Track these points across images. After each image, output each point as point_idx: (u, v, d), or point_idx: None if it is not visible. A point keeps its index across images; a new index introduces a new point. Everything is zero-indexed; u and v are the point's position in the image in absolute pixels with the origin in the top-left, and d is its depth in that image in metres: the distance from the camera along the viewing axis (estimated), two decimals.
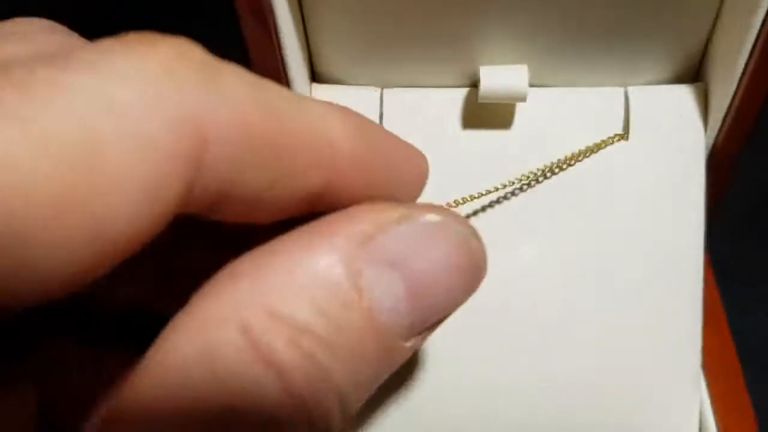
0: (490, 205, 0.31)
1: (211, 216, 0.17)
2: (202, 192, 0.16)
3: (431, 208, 0.19)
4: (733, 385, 0.32)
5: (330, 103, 0.19)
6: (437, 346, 0.30)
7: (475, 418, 0.30)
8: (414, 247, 0.18)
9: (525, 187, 0.30)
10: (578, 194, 0.30)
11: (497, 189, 0.29)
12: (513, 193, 0.31)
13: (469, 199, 0.29)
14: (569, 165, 0.30)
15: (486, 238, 0.30)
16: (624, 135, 0.31)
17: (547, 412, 0.30)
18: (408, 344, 0.18)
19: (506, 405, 0.30)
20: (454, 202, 0.29)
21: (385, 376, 0.18)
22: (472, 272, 0.19)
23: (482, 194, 0.29)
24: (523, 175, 0.30)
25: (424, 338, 0.19)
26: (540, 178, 0.30)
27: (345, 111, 0.19)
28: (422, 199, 0.27)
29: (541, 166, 0.30)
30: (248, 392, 0.15)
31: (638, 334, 0.30)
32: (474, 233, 0.20)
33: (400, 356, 0.18)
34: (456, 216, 0.19)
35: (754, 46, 0.27)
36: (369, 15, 0.29)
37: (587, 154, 0.30)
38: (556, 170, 0.30)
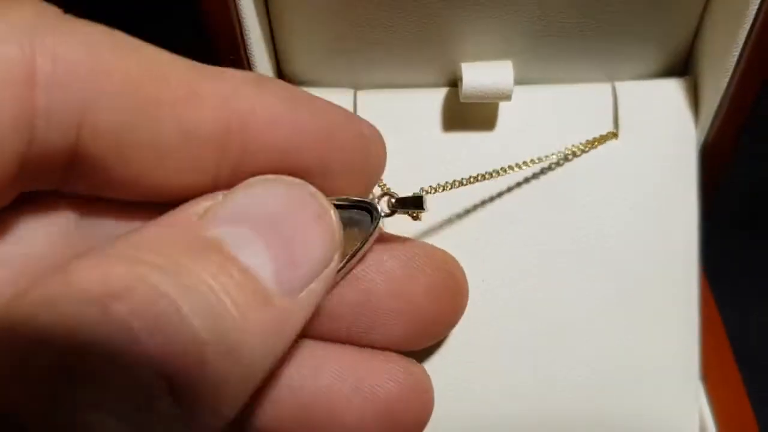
0: (480, 204, 0.29)
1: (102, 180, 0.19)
2: (48, 137, 0.17)
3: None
4: (730, 385, 0.31)
5: (251, 74, 0.20)
6: (433, 345, 0.29)
7: (472, 417, 0.29)
8: (259, 200, 0.19)
9: (519, 185, 0.29)
10: (570, 193, 0.29)
11: (485, 177, 0.27)
12: (507, 192, 0.29)
13: (449, 186, 0.26)
14: (560, 165, 0.29)
15: (476, 239, 0.29)
16: (614, 133, 0.29)
17: (545, 415, 0.28)
18: (285, 302, 0.18)
19: (503, 406, 0.28)
20: (438, 186, 0.26)
21: (276, 339, 0.18)
22: (325, 226, 0.20)
23: (467, 182, 0.27)
24: (516, 164, 0.28)
25: (309, 300, 0.19)
26: (533, 177, 0.29)
27: (268, 81, 0.20)
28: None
29: (536, 164, 0.28)
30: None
31: (634, 333, 0.29)
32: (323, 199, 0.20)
33: (280, 311, 0.18)
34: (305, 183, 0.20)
35: (747, 39, 0.26)
36: (339, 10, 0.27)
37: (578, 154, 0.29)
38: (548, 171, 0.29)
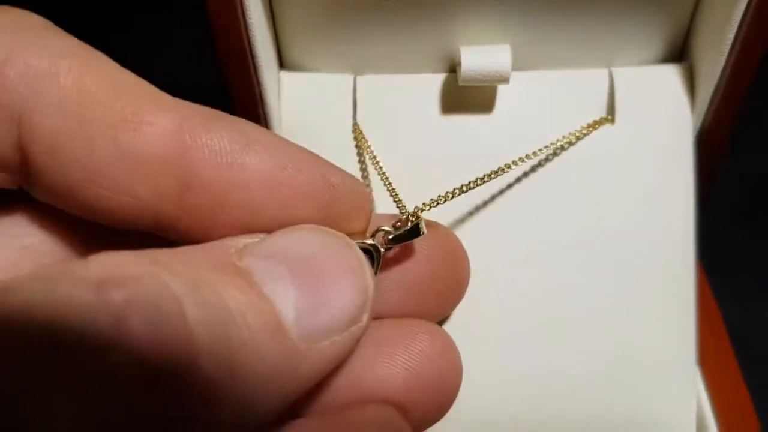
0: (477, 195, 0.29)
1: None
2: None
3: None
4: (728, 374, 0.31)
5: (207, 109, 0.20)
6: None
7: (470, 409, 0.28)
8: (296, 242, 0.19)
9: (514, 177, 0.29)
10: (565, 182, 0.29)
11: (483, 181, 0.27)
12: (502, 182, 0.29)
13: (452, 196, 0.27)
14: (556, 153, 0.29)
15: (472, 231, 0.29)
16: (609, 119, 0.29)
17: (543, 405, 0.28)
18: (303, 344, 0.18)
19: (502, 398, 0.28)
20: (440, 198, 0.25)
21: (286, 379, 0.18)
22: (359, 281, 0.19)
23: (465, 189, 0.26)
24: (513, 161, 0.27)
25: (330, 352, 0.19)
26: (529, 169, 0.29)
27: (222, 118, 0.20)
28: (408, 189, 0.25)
29: (530, 154, 0.28)
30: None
31: (632, 323, 0.29)
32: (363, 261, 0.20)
33: (295, 350, 0.18)
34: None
35: (741, 22, 0.26)
36: None
37: (573, 141, 0.29)
38: (544, 158, 0.29)
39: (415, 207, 0.23)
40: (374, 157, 0.28)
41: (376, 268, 0.21)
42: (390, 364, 0.21)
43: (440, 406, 0.22)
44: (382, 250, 0.22)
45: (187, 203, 0.19)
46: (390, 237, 0.22)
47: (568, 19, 0.28)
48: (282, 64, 0.31)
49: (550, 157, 0.29)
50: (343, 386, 0.21)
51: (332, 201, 0.20)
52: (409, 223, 0.22)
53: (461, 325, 0.28)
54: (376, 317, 0.22)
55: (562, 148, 0.29)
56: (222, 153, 0.19)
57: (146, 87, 0.19)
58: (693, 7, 0.29)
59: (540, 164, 0.29)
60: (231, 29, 0.26)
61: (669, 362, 0.29)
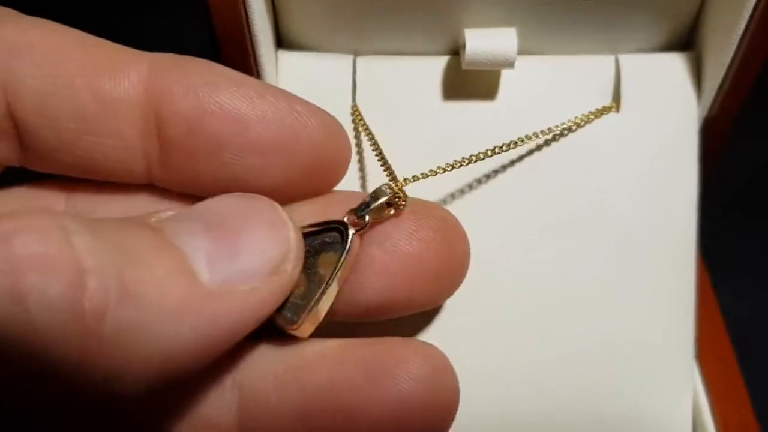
0: (471, 178, 0.28)
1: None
2: None
3: None
4: (725, 365, 0.31)
5: (173, 55, 0.21)
6: (429, 331, 0.28)
7: (466, 394, 0.28)
8: (215, 205, 0.20)
9: (509, 160, 0.28)
10: (569, 167, 0.29)
11: (476, 159, 0.26)
12: (504, 165, 0.29)
13: (442, 170, 0.25)
14: (556, 139, 0.28)
15: (466, 215, 0.28)
16: (614, 106, 0.29)
17: (537, 398, 0.28)
18: (215, 286, 0.18)
19: (495, 391, 0.28)
20: (430, 172, 0.25)
21: (203, 322, 0.18)
22: (278, 234, 0.20)
23: (456, 166, 0.26)
24: (512, 141, 0.27)
25: (250, 298, 0.19)
26: (527, 152, 0.28)
27: (190, 60, 0.21)
28: (406, 173, 0.24)
29: (530, 135, 0.27)
30: None
31: (632, 310, 0.28)
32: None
33: (208, 294, 0.18)
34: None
35: (752, 14, 0.26)
36: None
37: (574, 129, 0.28)
38: (543, 143, 0.28)
39: (398, 181, 0.23)
40: (372, 139, 0.27)
41: (347, 248, 0.21)
42: (380, 390, 0.21)
43: (436, 429, 0.22)
44: (352, 231, 0.21)
45: (165, 137, 0.21)
46: (360, 213, 0.21)
47: (575, 3, 0.27)
48: (281, 42, 0.30)
49: (550, 142, 0.29)
50: (330, 410, 0.20)
51: (298, 129, 0.21)
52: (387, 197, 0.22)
53: (456, 313, 0.28)
54: (363, 310, 0.22)
55: (562, 134, 0.28)
56: (191, 89, 0.20)
57: (115, 45, 0.21)
58: None
59: (539, 148, 0.29)
60: (229, 6, 0.26)
61: (667, 356, 0.28)
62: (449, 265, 0.23)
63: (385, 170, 0.25)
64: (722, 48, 0.27)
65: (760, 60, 0.27)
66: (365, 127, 0.28)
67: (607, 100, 0.29)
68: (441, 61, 0.29)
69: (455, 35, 0.28)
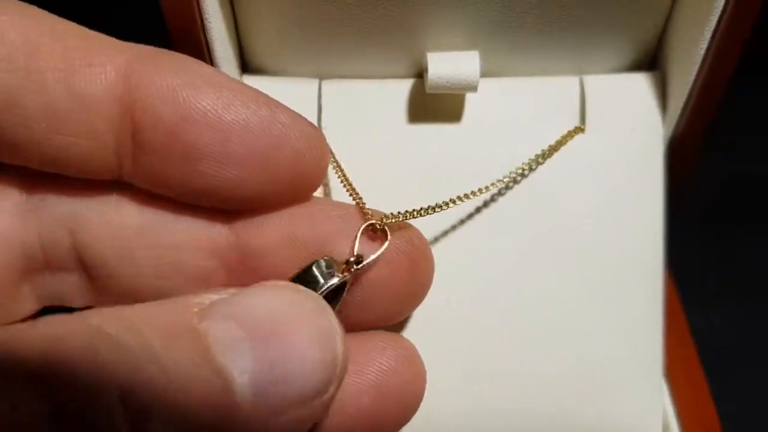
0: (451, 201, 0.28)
1: None
2: None
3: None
4: (694, 382, 0.31)
5: (150, 48, 0.20)
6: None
7: (438, 410, 0.28)
8: (262, 305, 0.19)
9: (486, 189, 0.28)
10: (537, 190, 0.28)
11: (456, 202, 0.26)
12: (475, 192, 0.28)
13: (425, 212, 0.25)
14: (532, 168, 0.28)
15: (441, 236, 0.28)
16: (582, 128, 0.29)
17: (511, 409, 0.28)
18: (257, 420, 0.17)
19: (465, 401, 0.28)
20: (417, 212, 0.24)
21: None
22: (327, 351, 0.19)
23: (444, 206, 0.25)
24: (490, 184, 0.27)
25: (291, 425, 0.18)
26: (505, 188, 0.28)
27: (165, 55, 0.20)
28: (372, 197, 0.24)
29: (506, 174, 0.28)
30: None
31: (600, 329, 0.28)
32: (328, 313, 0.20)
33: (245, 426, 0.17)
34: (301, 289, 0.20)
35: (714, 32, 0.26)
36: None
37: (550, 154, 0.28)
38: (521, 176, 0.28)
39: (379, 219, 0.22)
40: (338, 165, 0.27)
41: (340, 299, 0.21)
42: (359, 382, 0.21)
43: (405, 414, 0.22)
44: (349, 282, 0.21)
45: (141, 140, 0.19)
46: (355, 267, 0.21)
47: (539, 25, 0.28)
48: (246, 67, 0.30)
49: (525, 173, 0.28)
50: None
51: (281, 139, 0.20)
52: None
53: (429, 327, 0.28)
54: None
55: (538, 162, 0.28)
56: (169, 90, 0.19)
57: (90, 33, 0.20)
58: (666, 15, 0.28)
59: (514, 179, 0.28)
60: (187, 28, 0.25)
61: (636, 372, 0.28)
62: (414, 288, 0.23)
63: (352, 197, 0.25)
64: (685, 67, 0.27)
65: (723, 79, 0.27)
66: (331, 153, 0.28)
67: (573, 121, 0.29)
68: (406, 84, 0.29)
69: (419, 58, 0.28)
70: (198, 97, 0.19)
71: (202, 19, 0.25)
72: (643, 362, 0.29)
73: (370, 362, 0.21)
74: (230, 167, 0.20)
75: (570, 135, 0.28)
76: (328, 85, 0.29)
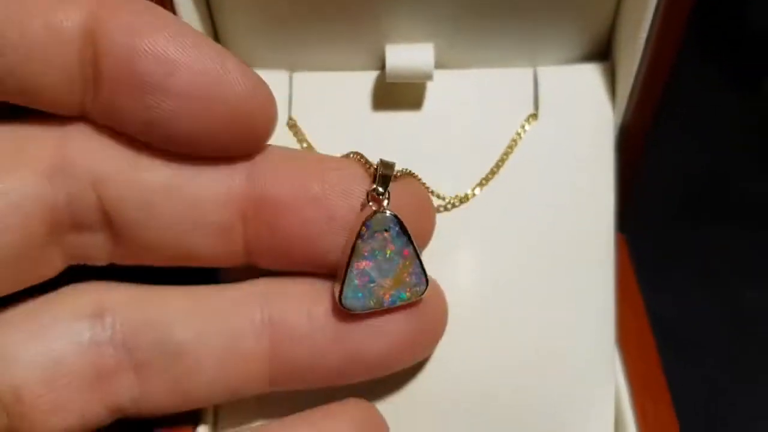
0: None
1: None
2: None
3: None
4: (648, 361, 0.32)
5: None
6: None
7: (397, 391, 0.29)
8: None
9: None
10: (493, 173, 0.30)
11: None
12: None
13: None
14: (489, 156, 0.30)
15: None
16: (535, 114, 0.31)
17: (462, 393, 0.29)
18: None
19: (421, 384, 0.29)
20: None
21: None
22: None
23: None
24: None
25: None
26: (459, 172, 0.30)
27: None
28: None
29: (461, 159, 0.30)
30: None
31: (555, 306, 0.30)
32: None
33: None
34: None
35: (652, 24, 0.28)
36: None
37: (507, 142, 0.30)
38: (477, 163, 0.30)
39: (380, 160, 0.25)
40: (312, 148, 0.30)
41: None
42: None
43: None
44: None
45: (98, 70, 0.22)
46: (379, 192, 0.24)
47: (493, 19, 0.29)
48: None
49: (483, 160, 0.30)
50: None
51: (225, 79, 0.22)
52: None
53: None
54: None
55: (495, 149, 0.30)
56: (128, 24, 0.21)
57: None
58: (614, 8, 0.30)
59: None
60: None
61: (588, 353, 0.30)
62: (420, 235, 0.26)
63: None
64: (630, 56, 0.29)
65: (666, 67, 0.29)
66: (302, 136, 0.30)
67: (528, 111, 0.31)
68: (371, 76, 0.31)
69: (381, 51, 0.30)
70: (152, 32, 0.21)
71: (173, 12, 0.27)
72: (596, 344, 0.30)
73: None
74: (173, 99, 0.22)
75: (525, 123, 0.30)
76: (298, 77, 0.31)
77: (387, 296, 0.25)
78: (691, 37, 0.32)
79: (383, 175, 0.24)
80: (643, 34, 0.28)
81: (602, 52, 0.32)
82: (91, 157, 0.23)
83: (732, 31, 0.46)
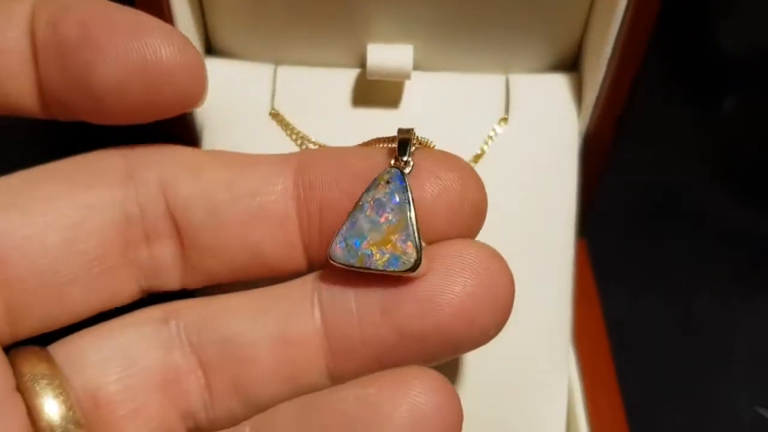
0: None
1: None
2: None
3: None
4: (601, 358, 0.34)
5: None
6: None
7: None
8: None
9: None
10: None
11: None
12: None
13: None
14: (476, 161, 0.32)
15: None
16: (506, 117, 0.32)
17: None
18: None
19: None
20: None
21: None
22: None
23: None
24: None
25: None
26: None
27: None
28: None
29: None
30: None
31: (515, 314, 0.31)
32: None
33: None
34: None
35: (617, 36, 0.29)
36: None
37: (483, 149, 0.32)
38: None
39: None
40: (298, 133, 0.31)
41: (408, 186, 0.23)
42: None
43: None
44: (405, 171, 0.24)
45: (36, 39, 0.22)
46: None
47: (470, 27, 0.31)
48: (211, 50, 0.33)
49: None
50: None
51: (145, 36, 0.22)
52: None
53: None
54: None
55: (477, 157, 0.32)
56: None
57: None
58: (584, 22, 0.32)
59: None
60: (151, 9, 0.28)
61: (544, 341, 0.31)
62: (463, 204, 0.25)
63: None
64: (596, 68, 0.31)
65: (629, 78, 0.31)
66: (288, 124, 0.31)
67: (499, 115, 0.32)
68: (353, 73, 0.33)
69: (363, 50, 0.32)
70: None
71: (166, 7, 0.28)
72: (550, 341, 0.31)
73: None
74: (85, 52, 0.21)
75: (497, 126, 0.32)
76: (283, 71, 0.32)
77: (376, 257, 0.23)
78: (656, 55, 0.34)
79: (402, 140, 0.25)
80: (608, 49, 0.30)
81: (571, 64, 0.34)
82: (158, 161, 0.24)
83: (696, 50, 0.48)
